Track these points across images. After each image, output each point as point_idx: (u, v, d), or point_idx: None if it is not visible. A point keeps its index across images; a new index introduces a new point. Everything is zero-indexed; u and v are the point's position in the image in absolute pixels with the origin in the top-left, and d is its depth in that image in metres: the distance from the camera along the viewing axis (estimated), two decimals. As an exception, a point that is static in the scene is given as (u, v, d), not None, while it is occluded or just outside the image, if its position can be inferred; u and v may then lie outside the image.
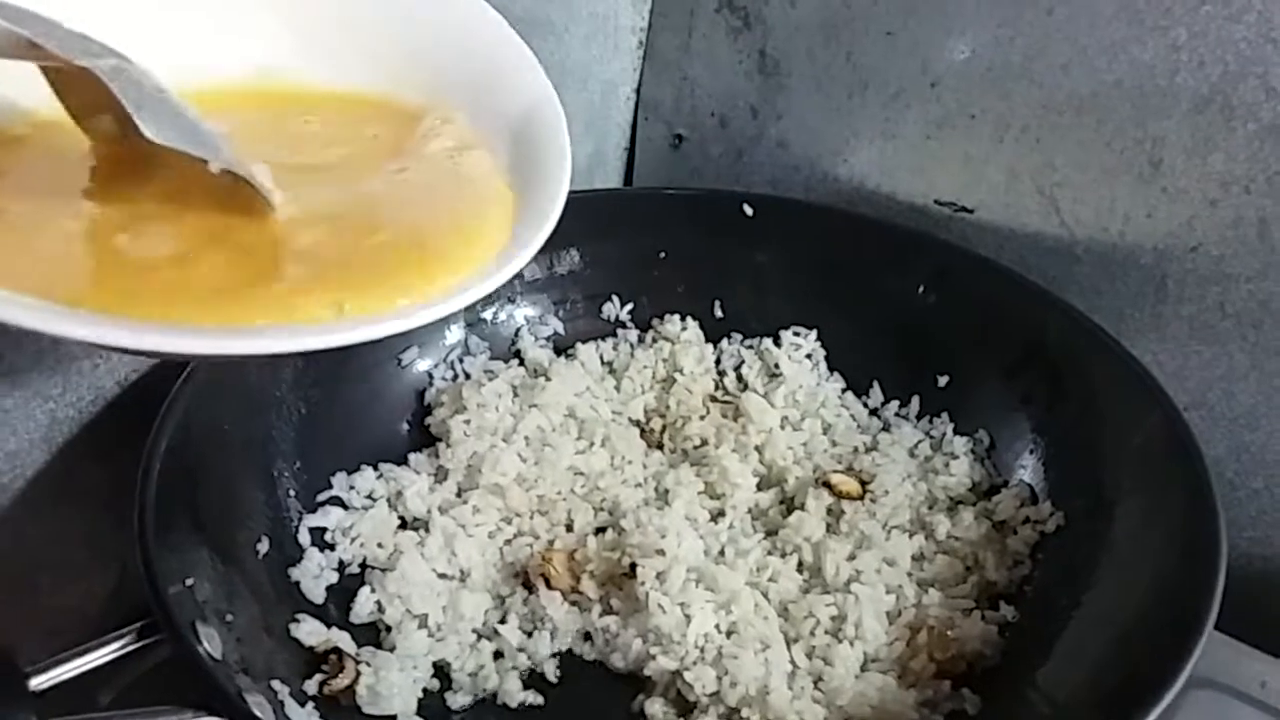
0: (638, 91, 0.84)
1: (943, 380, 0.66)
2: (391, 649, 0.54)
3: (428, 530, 0.59)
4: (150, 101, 0.35)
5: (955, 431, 0.65)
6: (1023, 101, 0.64)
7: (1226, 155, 0.57)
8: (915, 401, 0.67)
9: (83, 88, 0.35)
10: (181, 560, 0.47)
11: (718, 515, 0.62)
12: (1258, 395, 0.60)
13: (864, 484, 0.62)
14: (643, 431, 0.68)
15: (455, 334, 0.68)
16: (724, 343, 0.72)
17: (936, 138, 0.69)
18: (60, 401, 0.54)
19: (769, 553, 0.59)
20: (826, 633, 0.54)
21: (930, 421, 0.66)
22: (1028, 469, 0.61)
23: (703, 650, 0.54)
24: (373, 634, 0.55)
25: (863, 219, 0.71)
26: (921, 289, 0.68)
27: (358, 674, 0.51)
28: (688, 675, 0.53)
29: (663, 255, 0.72)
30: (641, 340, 0.72)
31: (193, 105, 0.37)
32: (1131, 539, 0.51)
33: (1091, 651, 0.48)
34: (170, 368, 0.56)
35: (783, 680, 0.52)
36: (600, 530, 0.61)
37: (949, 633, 0.52)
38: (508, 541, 0.60)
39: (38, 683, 0.40)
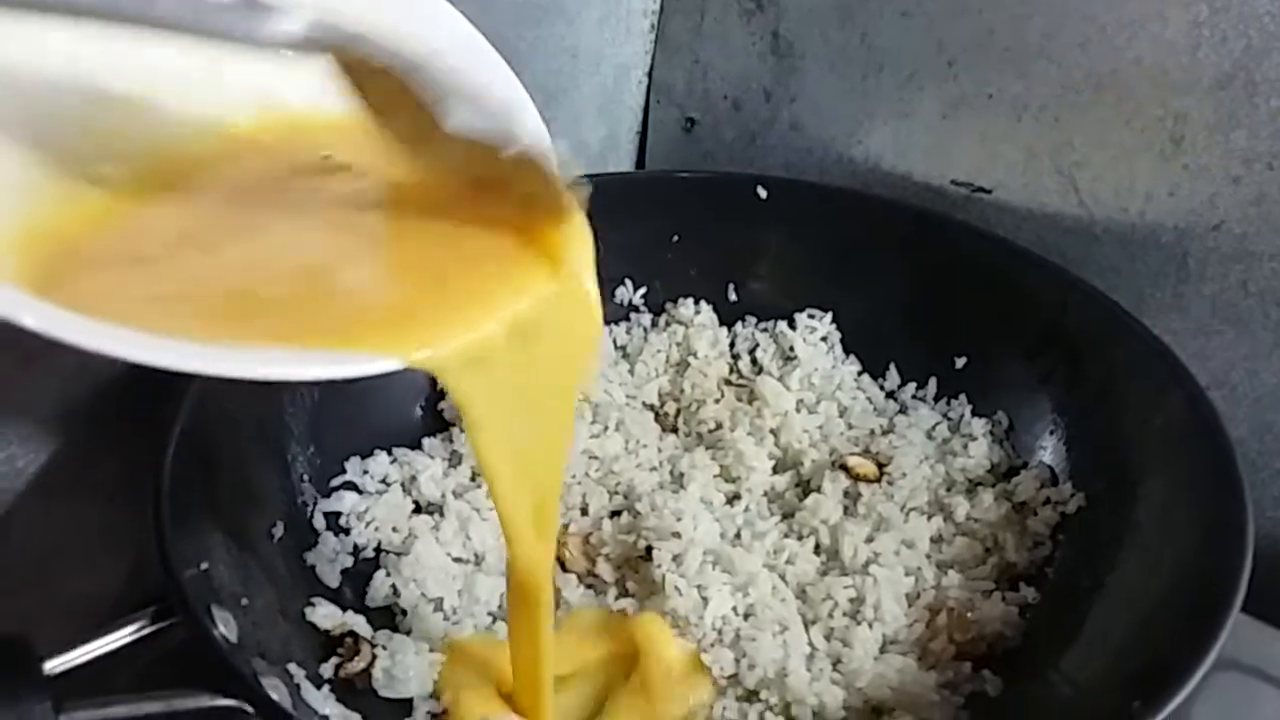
0: (650, 75, 0.83)
1: (960, 362, 0.66)
2: (407, 632, 0.54)
3: (442, 514, 0.59)
4: (449, 94, 0.34)
5: (973, 413, 0.64)
6: (1041, 80, 0.63)
7: (1249, 132, 0.56)
8: (932, 383, 0.66)
9: (381, 84, 0.34)
10: (196, 545, 0.47)
11: (733, 498, 0.61)
12: (1281, 374, 0.59)
13: (881, 466, 0.61)
14: (657, 415, 0.67)
15: (468, 318, 0.67)
16: (738, 326, 0.71)
17: (953, 118, 0.68)
18: (76, 387, 0.54)
19: (785, 535, 0.59)
20: (845, 615, 0.54)
21: (948, 403, 0.65)
22: (1048, 450, 0.60)
23: (720, 632, 0.54)
24: (388, 617, 0.55)
25: (878, 200, 0.70)
26: (938, 270, 0.67)
27: (373, 657, 0.51)
28: (705, 658, 0.52)
29: (676, 239, 0.72)
30: (655, 324, 0.71)
31: None
32: (1155, 520, 0.51)
33: (1114, 634, 0.47)
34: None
35: (801, 662, 0.52)
36: (615, 514, 0.61)
37: (968, 614, 0.52)
38: (523, 526, 0.60)
39: (52, 666, 0.40)
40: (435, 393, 0.66)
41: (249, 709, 0.41)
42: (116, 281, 0.33)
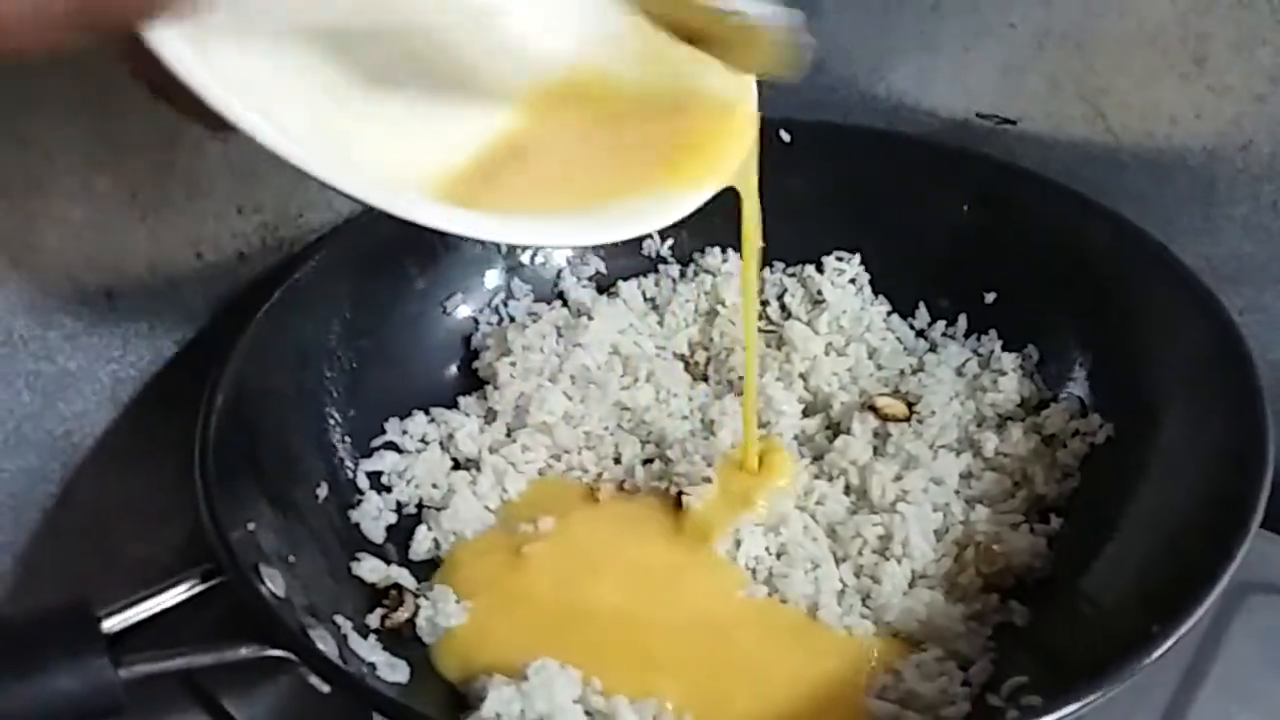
0: (671, 24, 0.83)
1: (990, 297, 0.65)
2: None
3: (479, 469, 0.61)
4: None
5: (1004, 348, 0.64)
6: (1061, 6, 0.62)
7: (1274, 49, 0.55)
8: (962, 320, 0.66)
9: None
10: (242, 506, 0.50)
11: (764, 443, 0.62)
12: (1317, 295, 0.58)
13: (910, 405, 0.61)
14: (687, 365, 0.68)
15: (496, 278, 0.69)
16: (766, 272, 0.71)
17: (976, 49, 0.68)
18: (122, 362, 0.56)
19: (815, 477, 0.59)
20: (874, 551, 0.55)
21: (978, 339, 0.65)
22: (1077, 382, 0.60)
23: (754, 571, 0.55)
24: (430, 570, 0.57)
25: (902, 138, 0.70)
26: (965, 206, 0.67)
27: (417, 608, 0.53)
28: (739, 595, 0.54)
29: (701, 187, 0.72)
30: (683, 275, 0.72)
31: None
32: (1179, 446, 0.51)
33: (1137, 557, 0.48)
34: (225, 326, 0.58)
35: (832, 598, 0.53)
36: (648, 461, 0.62)
37: (995, 547, 0.52)
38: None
39: (110, 625, 0.42)
40: (469, 353, 0.68)
41: (294, 658, 0.43)
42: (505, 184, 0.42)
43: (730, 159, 0.48)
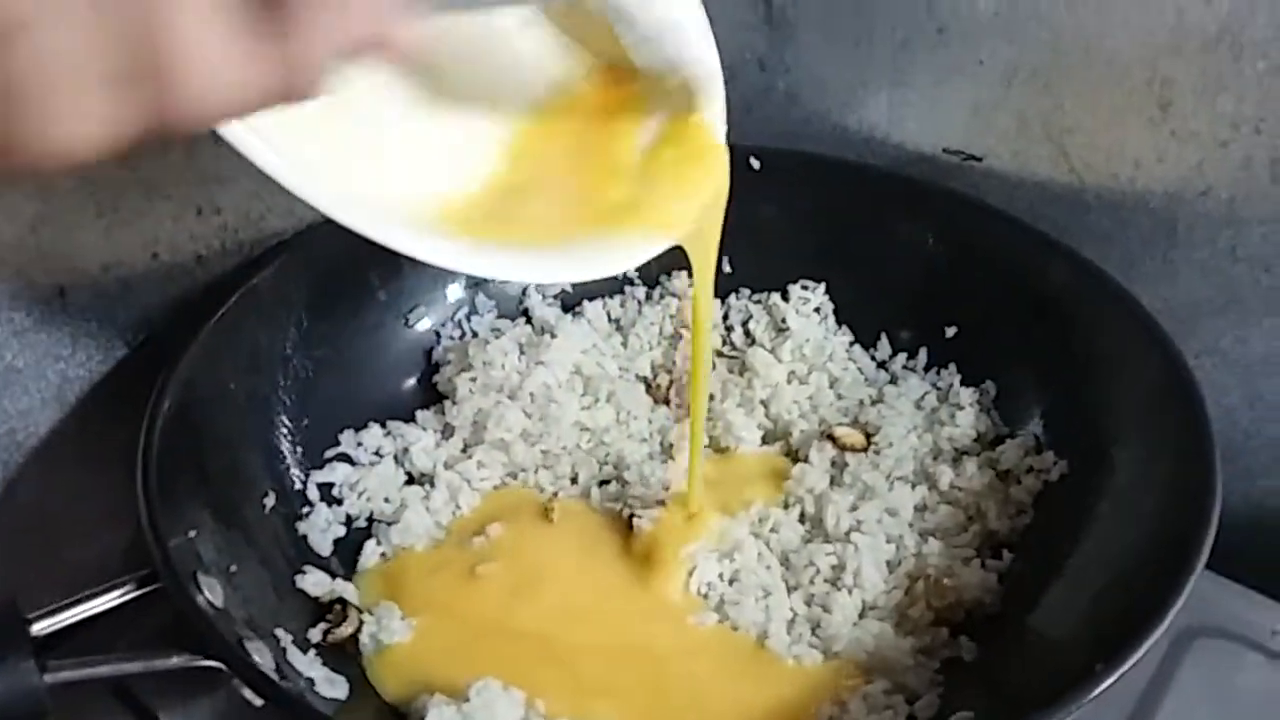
0: (647, 48, 0.83)
1: (950, 331, 0.66)
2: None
3: (433, 484, 0.60)
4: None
5: (963, 383, 0.64)
6: (1031, 45, 0.63)
7: (1236, 96, 0.55)
8: (923, 353, 0.66)
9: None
10: (184, 513, 0.49)
11: (722, 469, 0.62)
12: (1272, 341, 0.59)
13: (869, 436, 0.61)
14: (649, 387, 0.68)
15: (459, 292, 0.68)
16: (731, 298, 0.71)
17: (945, 85, 0.68)
18: (70, 361, 0.55)
19: (771, 504, 0.59)
20: (826, 581, 0.54)
21: (938, 373, 0.65)
22: (1034, 418, 0.60)
23: (705, 597, 0.55)
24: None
25: (870, 170, 0.70)
26: (930, 240, 0.67)
27: (360, 623, 0.52)
28: (690, 621, 0.53)
29: (669, 211, 0.72)
30: (649, 297, 0.72)
31: None
32: (1131, 486, 0.51)
33: (1086, 595, 0.48)
34: (178, 328, 0.57)
35: (782, 626, 0.53)
36: (604, 483, 0.61)
37: (945, 581, 0.52)
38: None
39: (39, 628, 0.41)
40: (429, 366, 0.67)
41: (227, 670, 0.42)
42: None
43: (687, 220, 0.49)
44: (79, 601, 0.43)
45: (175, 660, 0.42)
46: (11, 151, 0.24)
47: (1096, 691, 0.39)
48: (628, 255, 0.47)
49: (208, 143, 0.34)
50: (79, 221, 0.53)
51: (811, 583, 0.54)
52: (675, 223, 0.48)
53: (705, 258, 0.52)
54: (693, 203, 0.49)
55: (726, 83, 0.79)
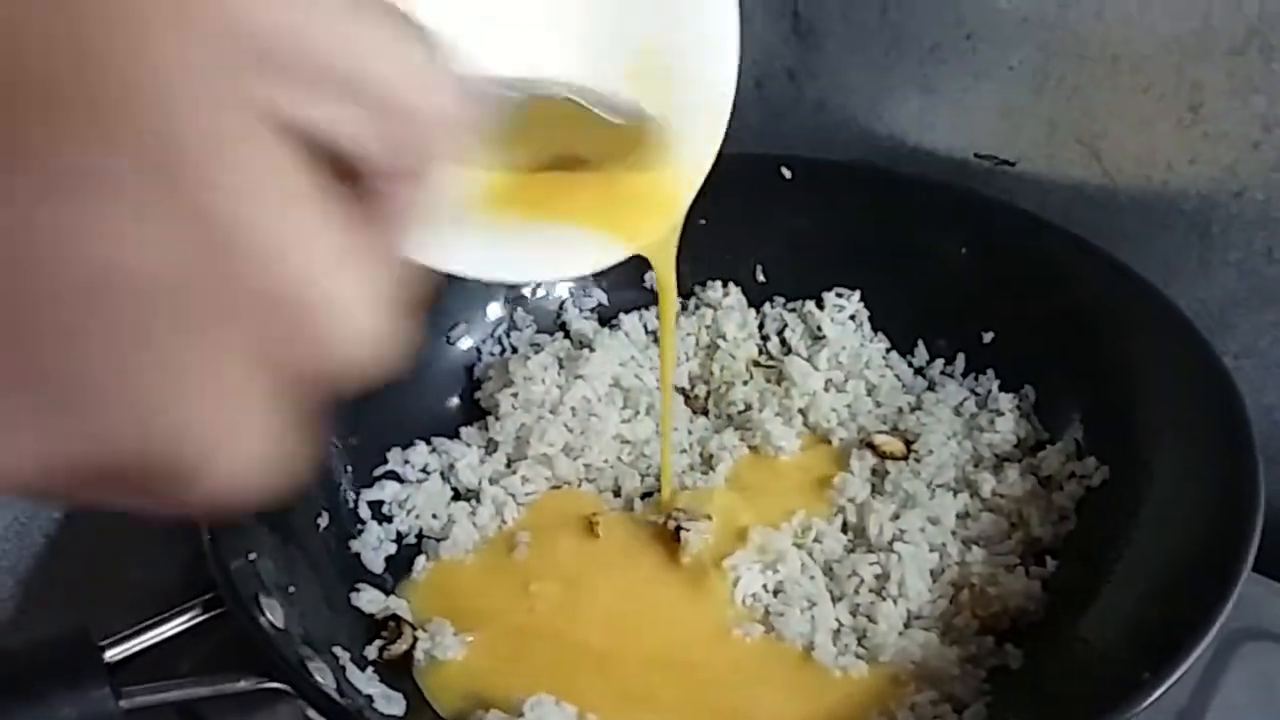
0: (675, 59, 0.84)
1: (988, 337, 0.66)
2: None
3: (479, 500, 0.61)
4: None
5: (1001, 388, 0.64)
6: (1060, 50, 0.63)
7: (1267, 97, 0.55)
8: (960, 359, 0.67)
9: None
10: (244, 536, 0.50)
11: (763, 478, 0.63)
12: (1311, 340, 0.59)
13: (909, 444, 0.62)
14: (687, 398, 0.69)
15: (499, 309, 0.69)
16: (766, 307, 0.72)
17: (974, 91, 0.68)
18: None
19: (813, 514, 0.60)
20: (870, 591, 0.55)
21: (976, 379, 0.66)
22: (1073, 423, 0.61)
23: (750, 609, 0.55)
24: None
25: (901, 177, 0.71)
26: (963, 246, 0.67)
27: (415, 639, 0.53)
28: (736, 633, 0.54)
29: (703, 222, 0.71)
30: (685, 308, 0.72)
31: None
32: (1173, 490, 0.51)
33: (1131, 603, 0.48)
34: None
35: (828, 637, 0.53)
36: (647, 495, 0.62)
37: (990, 589, 0.53)
38: (557, 509, 0.62)
39: (111, 655, 0.43)
40: (471, 383, 0.68)
41: (293, 691, 0.43)
42: None
43: (649, 231, 0.49)
44: (148, 627, 0.44)
45: (243, 683, 0.43)
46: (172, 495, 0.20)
47: (1146, 702, 0.40)
48: (589, 261, 0.47)
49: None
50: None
51: (856, 593, 0.55)
52: (640, 235, 0.48)
53: (667, 264, 0.53)
54: (660, 221, 0.49)
55: (756, 91, 0.80)
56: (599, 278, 0.72)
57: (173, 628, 0.45)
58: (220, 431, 0.20)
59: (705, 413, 0.68)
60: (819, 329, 0.69)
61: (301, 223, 0.19)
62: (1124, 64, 0.60)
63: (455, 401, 0.68)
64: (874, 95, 0.73)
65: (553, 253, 0.46)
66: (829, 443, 0.64)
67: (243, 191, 0.19)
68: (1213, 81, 0.57)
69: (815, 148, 0.78)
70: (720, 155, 0.54)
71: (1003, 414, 0.62)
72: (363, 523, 0.59)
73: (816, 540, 0.58)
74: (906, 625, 0.54)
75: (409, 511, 0.61)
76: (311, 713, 0.45)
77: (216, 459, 0.20)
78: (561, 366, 0.67)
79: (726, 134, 0.86)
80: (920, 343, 0.68)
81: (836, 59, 0.74)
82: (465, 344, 0.68)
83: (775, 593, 0.56)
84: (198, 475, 0.20)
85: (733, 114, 0.84)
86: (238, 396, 0.20)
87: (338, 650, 0.50)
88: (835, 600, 0.55)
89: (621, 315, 0.71)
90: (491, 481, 0.62)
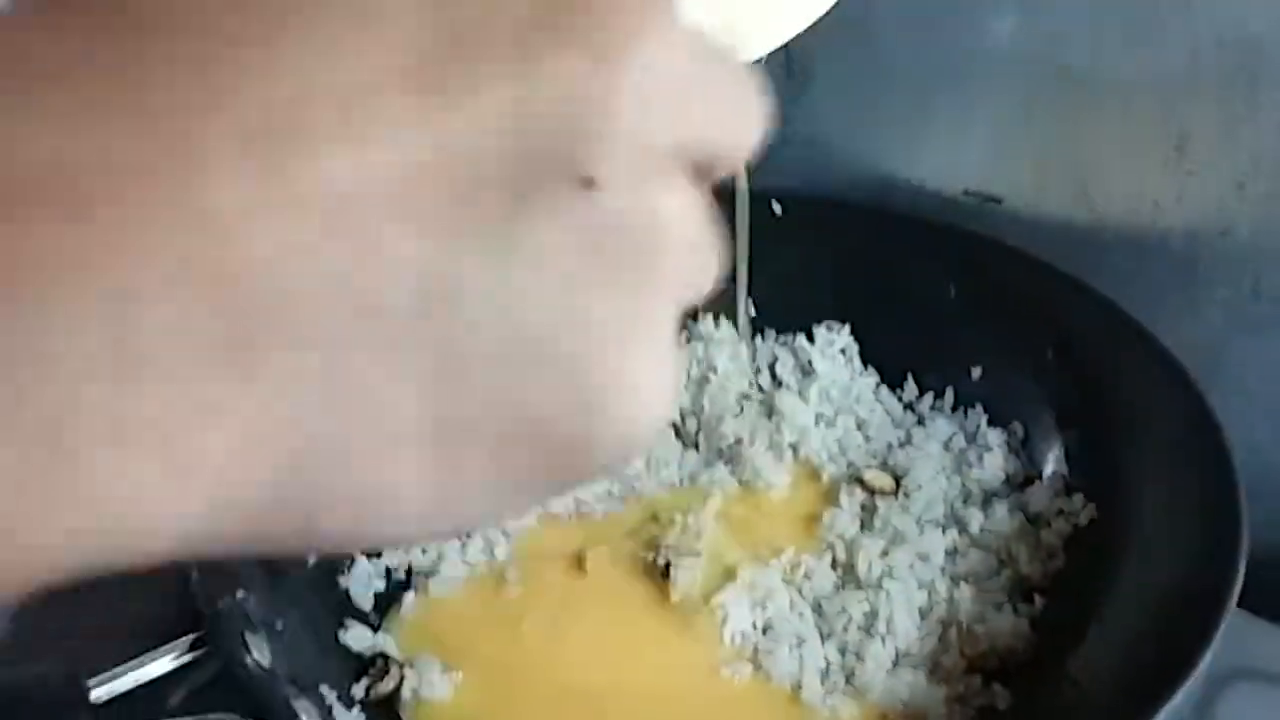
0: (668, 94, 0.84)
1: (976, 372, 0.66)
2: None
3: (469, 535, 0.61)
4: None
5: (989, 424, 0.65)
6: (1048, 88, 0.64)
7: (1254, 137, 0.56)
8: (949, 394, 0.67)
9: None
10: (232, 572, 0.50)
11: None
12: (1298, 378, 0.59)
13: (898, 479, 0.62)
14: (678, 432, 0.69)
15: (491, 344, 0.69)
16: (757, 340, 0.72)
17: (964, 128, 0.69)
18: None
19: (802, 551, 0.60)
20: (859, 629, 0.55)
21: (964, 414, 0.66)
22: (1061, 460, 0.61)
23: (739, 647, 0.55)
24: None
25: (891, 213, 0.71)
26: (951, 281, 0.68)
27: (402, 677, 0.53)
28: (725, 672, 0.54)
29: (694, 257, 0.73)
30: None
31: None
32: (1159, 528, 0.51)
33: (1118, 641, 0.48)
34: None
35: (816, 676, 0.53)
36: (635, 530, 0.62)
37: (978, 628, 0.53)
38: (546, 544, 0.62)
39: (98, 695, 0.42)
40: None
41: (276, 731, 0.43)
42: None
43: None
44: (136, 666, 0.44)
45: (229, 724, 0.43)
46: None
47: (1131, 744, 0.40)
48: None
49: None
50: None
51: (845, 630, 0.55)
52: None
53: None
54: None
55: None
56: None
57: (159, 667, 0.45)
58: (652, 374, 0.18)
59: (696, 446, 0.68)
60: (809, 363, 0.69)
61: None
62: (1112, 102, 0.61)
63: (447, 436, 0.67)
64: (864, 132, 0.74)
65: None
66: (819, 478, 0.64)
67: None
68: (1200, 119, 0.57)
69: (807, 184, 0.78)
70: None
71: (991, 449, 0.63)
72: (352, 558, 0.59)
73: (806, 577, 0.58)
74: (895, 664, 0.54)
75: (398, 547, 0.61)
76: (297, 752, 0.44)
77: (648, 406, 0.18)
78: (552, 400, 0.67)
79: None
80: (909, 377, 0.69)
81: (826, 96, 0.75)
82: (456, 378, 0.68)
83: (764, 630, 0.56)
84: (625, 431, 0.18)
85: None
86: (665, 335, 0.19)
87: (324, 689, 0.50)
88: (824, 638, 0.55)
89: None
90: (481, 516, 0.62)
